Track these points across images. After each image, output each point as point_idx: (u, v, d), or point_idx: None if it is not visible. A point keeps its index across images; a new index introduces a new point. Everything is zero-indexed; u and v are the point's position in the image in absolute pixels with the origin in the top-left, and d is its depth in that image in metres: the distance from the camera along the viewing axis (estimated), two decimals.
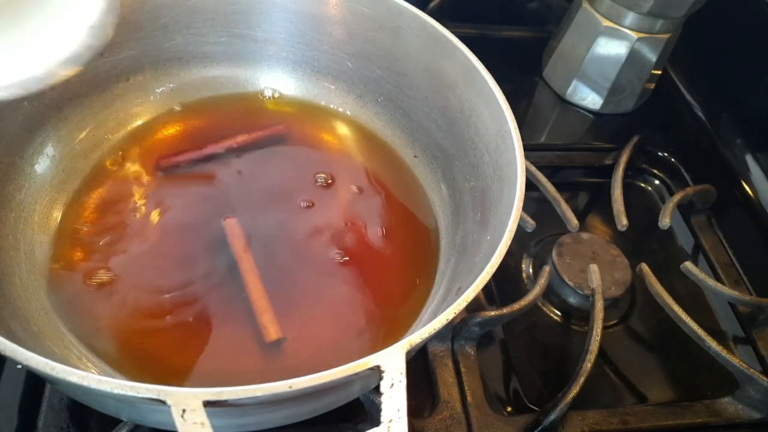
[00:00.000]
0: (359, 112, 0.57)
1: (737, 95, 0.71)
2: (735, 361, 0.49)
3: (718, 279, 0.59)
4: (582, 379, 0.47)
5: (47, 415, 0.42)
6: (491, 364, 0.51)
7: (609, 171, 0.64)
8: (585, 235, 0.58)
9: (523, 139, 0.42)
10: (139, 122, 0.54)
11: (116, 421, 0.41)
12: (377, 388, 0.30)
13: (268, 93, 0.57)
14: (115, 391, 0.28)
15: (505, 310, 0.49)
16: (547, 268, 0.53)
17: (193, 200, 0.50)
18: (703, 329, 0.50)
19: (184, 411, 0.27)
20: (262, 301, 0.44)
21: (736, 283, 0.60)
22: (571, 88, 0.72)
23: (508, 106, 0.44)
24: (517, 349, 0.52)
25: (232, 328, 0.44)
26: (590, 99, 0.72)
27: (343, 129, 0.57)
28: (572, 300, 0.56)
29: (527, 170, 0.41)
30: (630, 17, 0.65)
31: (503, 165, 0.43)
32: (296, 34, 0.55)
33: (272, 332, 0.42)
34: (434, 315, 0.34)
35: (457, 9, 0.78)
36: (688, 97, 0.75)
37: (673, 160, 0.69)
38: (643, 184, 0.69)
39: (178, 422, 0.27)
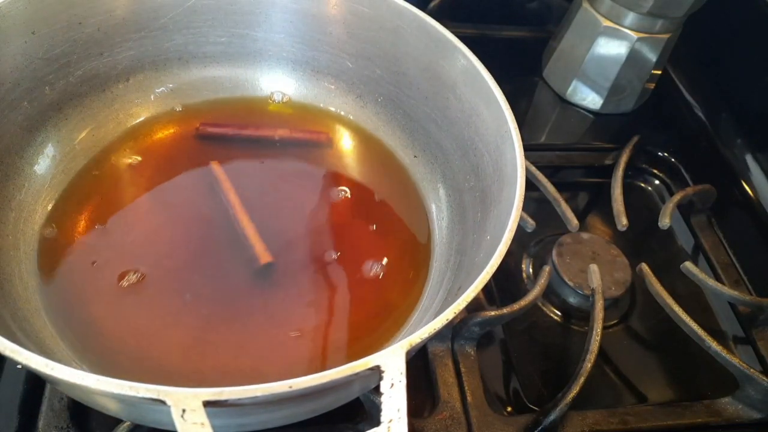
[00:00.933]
0: (359, 112, 0.57)
1: (737, 95, 0.71)
2: (735, 361, 0.49)
3: (718, 279, 0.59)
4: (582, 379, 0.47)
5: (47, 415, 0.42)
6: (491, 364, 0.51)
7: (609, 171, 0.64)
8: (585, 235, 0.58)
9: (523, 139, 0.42)
10: (139, 122, 0.54)
11: (116, 421, 0.41)
12: (377, 388, 0.30)
13: (268, 93, 0.57)
14: (115, 391, 0.28)
15: (505, 310, 0.49)
16: (547, 268, 0.53)
17: (197, 194, 0.50)
18: (703, 329, 0.50)
19: (184, 411, 0.27)
20: (252, 231, 0.48)
21: (736, 283, 0.60)
22: (571, 88, 0.72)
23: (508, 106, 0.44)
24: (517, 349, 0.52)
25: (239, 327, 0.44)
26: (590, 99, 0.72)
27: (341, 129, 0.57)
28: (572, 300, 0.56)
29: (527, 170, 0.41)
30: (630, 17, 0.65)
31: (503, 165, 0.43)
32: (296, 34, 0.55)
33: (264, 256, 0.46)
34: (434, 315, 0.34)
35: (457, 9, 0.78)
36: (688, 97, 0.75)
37: (673, 160, 0.69)
38: (643, 184, 0.69)
39: (178, 422, 0.27)
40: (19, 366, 0.29)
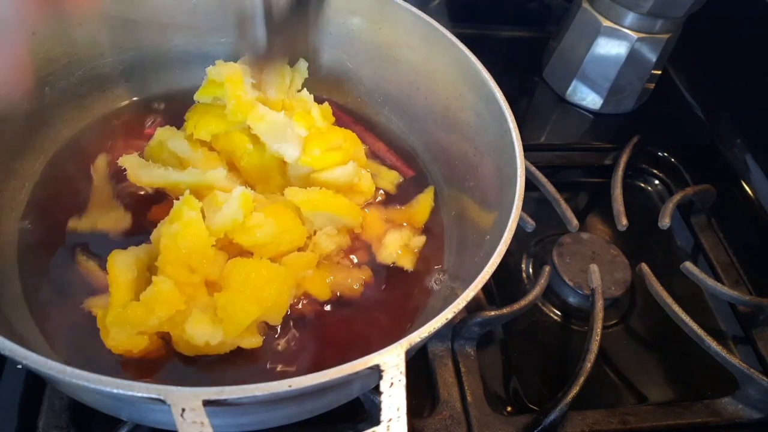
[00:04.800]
0: (359, 111, 0.57)
1: (737, 95, 0.71)
2: (735, 361, 0.49)
3: (717, 279, 0.59)
4: (582, 379, 0.47)
5: (47, 415, 0.42)
6: (491, 364, 0.51)
7: (609, 171, 0.64)
8: (585, 235, 0.58)
9: (523, 139, 0.42)
10: (139, 122, 0.54)
11: (116, 422, 0.41)
12: (377, 388, 0.30)
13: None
14: (115, 391, 0.28)
15: (504, 310, 0.49)
16: (547, 268, 0.53)
17: None
18: (703, 329, 0.50)
19: (183, 410, 0.27)
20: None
21: (736, 283, 0.60)
22: (571, 88, 0.72)
23: (508, 106, 0.44)
24: (517, 349, 0.52)
25: None
26: (590, 99, 0.72)
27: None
28: (572, 300, 0.56)
29: (527, 170, 0.42)
30: (630, 17, 0.66)
31: (503, 165, 0.43)
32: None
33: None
34: (434, 314, 0.34)
35: (457, 9, 0.78)
36: (688, 97, 0.75)
37: (673, 160, 0.69)
38: (643, 184, 0.69)
39: (178, 422, 0.27)
40: (19, 366, 0.29)
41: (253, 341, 0.41)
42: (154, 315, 0.38)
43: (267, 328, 0.43)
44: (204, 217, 0.42)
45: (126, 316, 0.38)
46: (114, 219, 0.46)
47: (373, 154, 0.54)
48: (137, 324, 0.38)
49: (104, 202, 0.47)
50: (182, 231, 0.40)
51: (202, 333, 0.39)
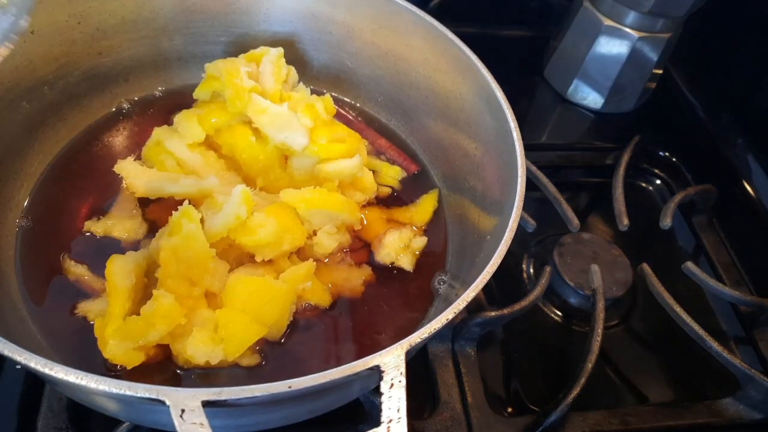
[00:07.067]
0: (359, 111, 0.57)
1: (738, 95, 0.71)
2: (736, 361, 0.49)
3: (719, 279, 0.59)
4: (583, 380, 0.47)
5: (46, 416, 0.42)
6: (492, 365, 0.50)
7: (610, 171, 0.64)
8: (586, 235, 0.58)
9: (523, 139, 0.42)
10: (138, 122, 0.54)
11: (116, 422, 0.41)
12: (377, 389, 0.30)
13: None
14: (115, 391, 0.28)
15: (505, 311, 0.48)
16: (547, 269, 0.52)
17: None
18: (705, 329, 0.50)
19: (183, 411, 0.27)
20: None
21: (737, 283, 0.60)
22: (572, 88, 0.72)
23: (509, 106, 0.44)
24: (518, 350, 0.52)
25: None
26: (591, 98, 0.72)
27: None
28: (573, 300, 0.55)
29: (528, 170, 0.41)
30: (631, 16, 0.65)
31: (503, 165, 0.43)
32: (296, 33, 0.55)
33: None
34: (435, 315, 0.33)
35: (458, 8, 0.78)
36: (690, 97, 0.75)
37: (674, 159, 0.69)
38: (644, 184, 0.69)
39: (177, 422, 0.27)
40: (19, 366, 0.29)
41: (252, 360, 0.41)
42: (155, 329, 0.38)
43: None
44: (203, 222, 0.41)
45: (126, 330, 0.38)
46: (129, 227, 0.46)
47: (375, 152, 0.54)
48: (137, 338, 0.38)
49: (127, 209, 0.47)
50: (182, 244, 0.40)
51: (203, 353, 0.39)
